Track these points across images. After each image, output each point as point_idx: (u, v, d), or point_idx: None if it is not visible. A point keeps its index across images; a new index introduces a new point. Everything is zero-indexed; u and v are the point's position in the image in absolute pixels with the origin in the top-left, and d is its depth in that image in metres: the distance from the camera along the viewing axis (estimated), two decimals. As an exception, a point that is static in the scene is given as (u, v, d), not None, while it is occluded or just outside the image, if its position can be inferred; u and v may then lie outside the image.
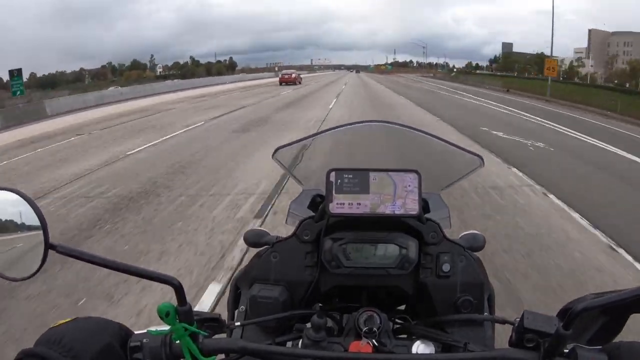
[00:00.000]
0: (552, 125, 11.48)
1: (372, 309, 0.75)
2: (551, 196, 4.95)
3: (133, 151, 7.91)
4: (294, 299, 0.82)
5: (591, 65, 56.02)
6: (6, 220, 0.59)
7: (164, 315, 0.59)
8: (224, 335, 0.74)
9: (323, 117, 12.31)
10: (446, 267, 0.81)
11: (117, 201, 4.87)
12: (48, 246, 0.57)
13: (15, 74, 18.04)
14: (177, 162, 6.73)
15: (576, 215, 4.34)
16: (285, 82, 30.96)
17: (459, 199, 4.58)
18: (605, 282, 2.95)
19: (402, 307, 0.98)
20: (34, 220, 0.58)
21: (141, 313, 2.57)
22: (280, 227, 3.40)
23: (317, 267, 0.82)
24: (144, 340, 0.61)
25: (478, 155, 0.97)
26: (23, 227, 0.59)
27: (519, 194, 5.02)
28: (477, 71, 72.34)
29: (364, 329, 0.71)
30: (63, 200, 5.01)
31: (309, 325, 0.70)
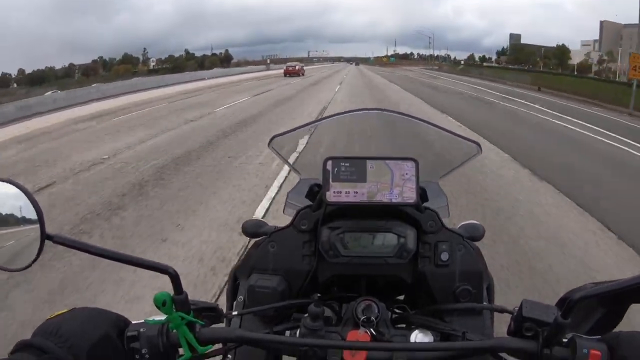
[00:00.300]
0: None
1: (370, 298, 0.75)
2: None
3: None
4: (292, 288, 0.82)
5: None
6: (2, 212, 0.59)
7: (161, 304, 0.58)
8: (222, 325, 0.74)
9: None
10: (445, 256, 0.81)
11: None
12: (44, 237, 0.57)
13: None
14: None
15: None
16: (290, 73, 34.87)
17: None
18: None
19: (401, 297, 0.98)
20: (31, 211, 0.58)
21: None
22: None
23: (315, 257, 0.82)
24: (141, 330, 0.60)
25: (475, 142, 0.97)
26: (20, 219, 0.59)
27: None
28: (484, 64, 68.66)
29: (362, 318, 0.71)
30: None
31: (307, 314, 0.69)
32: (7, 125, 11.98)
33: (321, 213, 0.82)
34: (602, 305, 0.72)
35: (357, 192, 0.77)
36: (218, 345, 0.66)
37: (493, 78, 32.98)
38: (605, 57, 52.28)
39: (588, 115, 13.59)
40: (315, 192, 0.97)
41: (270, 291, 0.78)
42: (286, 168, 4.41)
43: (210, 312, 0.69)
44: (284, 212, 1.01)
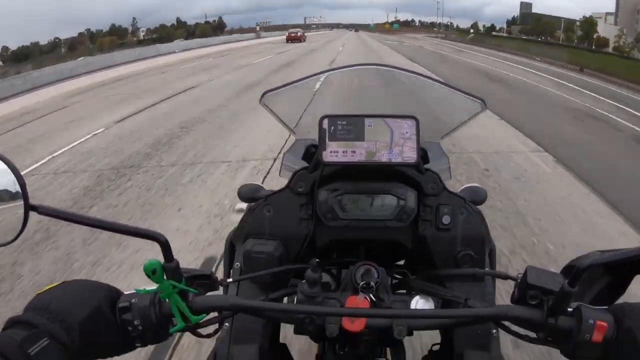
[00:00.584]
0: None
1: (369, 263, 0.72)
2: None
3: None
4: (290, 253, 0.80)
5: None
6: None
7: (151, 272, 0.56)
8: (218, 293, 0.72)
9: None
10: (446, 220, 0.79)
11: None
12: (28, 207, 0.54)
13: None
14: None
15: None
16: (292, 40, 35.92)
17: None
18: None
19: (402, 263, 0.96)
20: (13, 181, 0.55)
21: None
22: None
23: (313, 220, 0.79)
24: (133, 301, 0.57)
25: (480, 98, 0.92)
26: (4, 194, 0.56)
27: None
28: (493, 33, 64.62)
29: (361, 283, 0.69)
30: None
31: (304, 280, 0.67)
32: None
33: (318, 174, 0.78)
34: (606, 274, 0.70)
35: (354, 152, 0.74)
36: (214, 315, 0.64)
37: (513, 50, 26.26)
38: (624, 32, 47.77)
39: None
40: (311, 153, 0.93)
41: (266, 256, 0.76)
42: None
43: (203, 280, 0.66)
44: (280, 174, 0.97)
